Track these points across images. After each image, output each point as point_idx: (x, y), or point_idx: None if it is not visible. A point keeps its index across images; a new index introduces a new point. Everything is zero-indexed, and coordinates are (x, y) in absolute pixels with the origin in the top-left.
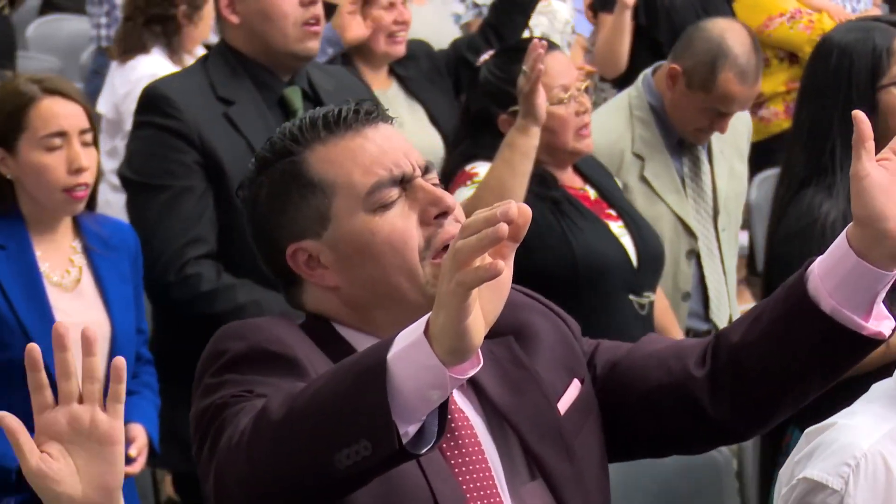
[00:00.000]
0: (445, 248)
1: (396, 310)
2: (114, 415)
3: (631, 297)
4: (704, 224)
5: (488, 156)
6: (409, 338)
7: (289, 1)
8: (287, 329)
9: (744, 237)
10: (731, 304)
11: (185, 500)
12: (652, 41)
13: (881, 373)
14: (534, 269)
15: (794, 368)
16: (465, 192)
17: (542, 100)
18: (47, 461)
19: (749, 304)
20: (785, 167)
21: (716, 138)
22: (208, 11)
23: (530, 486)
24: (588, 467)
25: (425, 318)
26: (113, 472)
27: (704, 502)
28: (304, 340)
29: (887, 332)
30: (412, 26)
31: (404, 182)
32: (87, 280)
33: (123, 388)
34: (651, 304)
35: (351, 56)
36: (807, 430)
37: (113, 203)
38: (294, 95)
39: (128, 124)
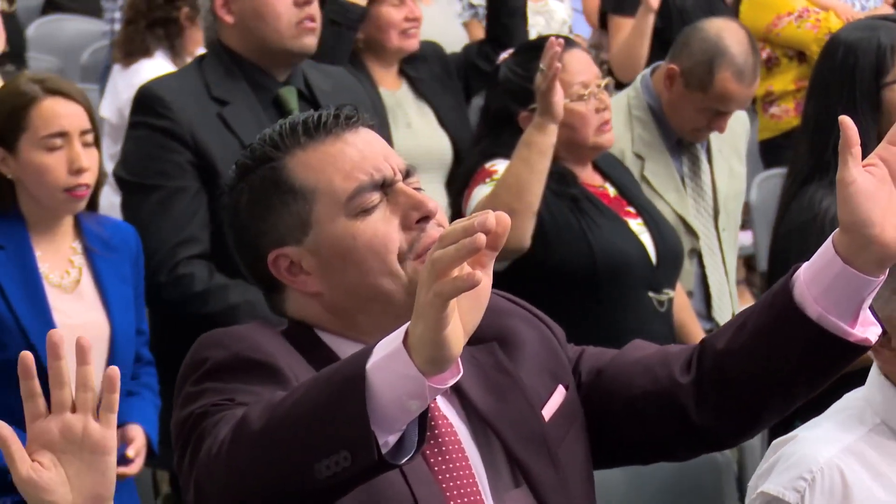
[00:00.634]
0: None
1: (380, 314)
2: (106, 424)
3: (650, 294)
4: (705, 223)
5: (508, 153)
6: (387, 347)
7: (283, 1)
8: (268, 336)
9: (745, 237)
10: (732, 303)
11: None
12: (664, 43)
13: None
14: (553, 267)
15: (779, 375)
16: (483, 190)
17: (559, 97)
18: (38, 470)
19: (750, 303)
20: (791, 163)
21: (714, 137)
22: None
23: (514, 493)
24: (573, 474)
25: (404, 327)
26: (104, 481)
27: (704, 502)
28: (285, 348)
29: (874, 339)
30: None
31: (385, 186)
32: (87, 281)
33: (117, 397)
34: (670, 301)
35: (361, 54)
36: (773, 442)
37: (117, 206)
38: (289, 95)
39: None
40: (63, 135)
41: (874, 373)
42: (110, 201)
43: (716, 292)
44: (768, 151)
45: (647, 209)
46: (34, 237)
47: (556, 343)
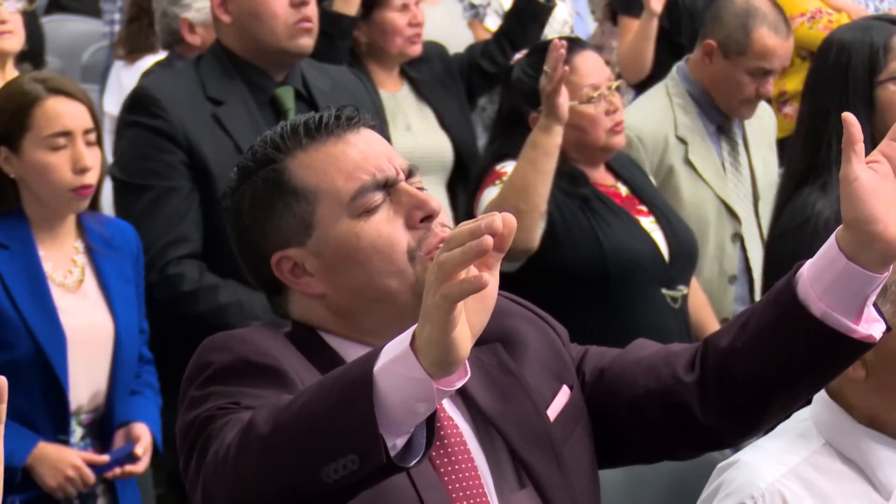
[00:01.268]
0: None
1: (384, 315)
2: None
3: (663, 290)
4: (746, 208)
5: (518, 154)
6: (394, 350)
7: (279, 1)
8: (272, 339)
9: None
10: None
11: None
12: (673, 44)
13: None
14: (564, 266)
15: (783, 373)
16: (493, 192)
17: (563, 99)
18: None
19: None
20: (786, 164)
21: (749, 128)
22: None
23: (520, 494)
24: (577, 474)
25: (411, 330)
26: None
27: None
28: (289, 350)
29: (878, 335)
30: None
31: (388, 186)
32: (90, 280)
33: (4, 408)
34: (684, 297)
35: (363, 57)
36: (718, 466)
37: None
38: (286, 95)
39: None
40: (66, 134)
41: (821, 393)
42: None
43: (758, 276)
44: (781, 151)
45: (660, 207)
46: (38, 236)
47: (560, 343)
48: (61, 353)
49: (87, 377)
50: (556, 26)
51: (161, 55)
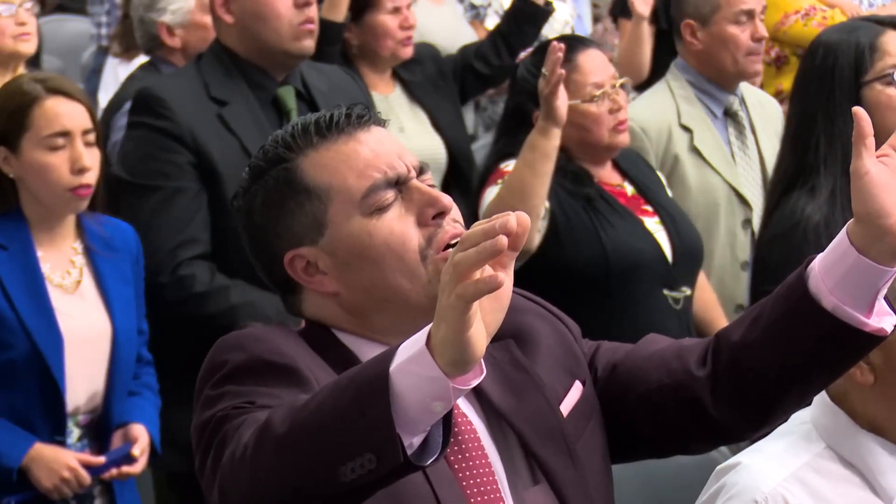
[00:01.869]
0: (448, 245)
1: (397, 313)
2: None
3: (665, 291)
4: (755, 193)
5: None
6: (410, 350)
7: (283, 2)
8: (286, 338)
9: None
10: None
11: (182, 500)
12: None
13: None
14: (566, 266)
15: (795, 367)
16: (494, 191)
17: (561, 102)
18: None
19: None
20: (776, 165)
21: (755, 116)
22: None
23: (533, 491)
24: (591, 469)
25: (426, 329)
26: None
27: None
28: (303, 349)
29: (889, 329)
30: (429, 27)
31: (399, 184)
32: (88, 281)
33: None
34: (686, 298)
35: (355, 59)
36: (717, 468)
37: None
38: (287, 95)
39: None
40: (65, 134)
41: (822, 396)
42: None
43: None
44: None
45: (666, 207)
46: (36, 237)
47: (572, 338)
48: (58, 353)
49: (84, 378)
50: (557, 27)
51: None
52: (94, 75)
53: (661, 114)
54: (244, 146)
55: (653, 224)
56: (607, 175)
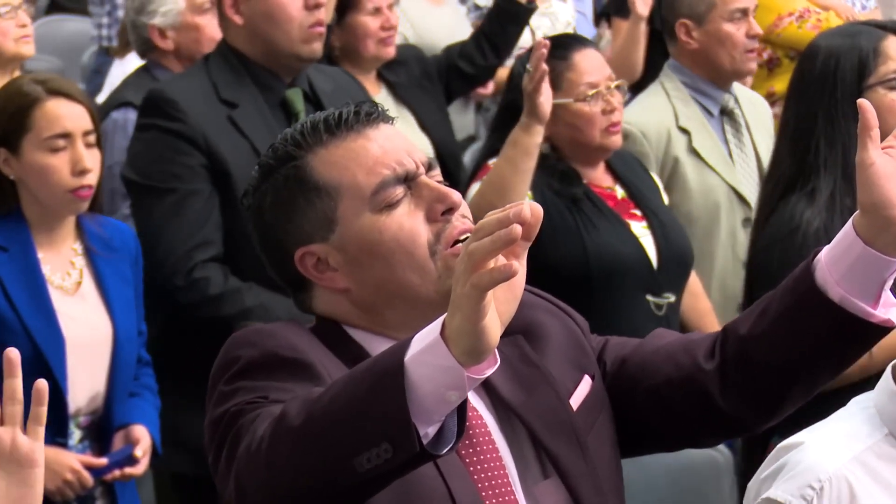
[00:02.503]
0: (457, 241)
1: (407, 309)
2: (34, 437)
3: (649, 297)
4: (754, 192)
5: None
6: (425, 340)
7: (294, 4)
8: (298, 334)
9: None
10: None
11: (184, 502)
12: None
13: (869, 383)
14: (547, 266)
15: (803, 359)
16: (476, 188)
17: (545, 99)
18: None
19: None
20: (772, 166)
21: (749, 116)
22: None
23: (543, 485)
24: (601, 462)
25: (441, 319)
26: (32, 494)
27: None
28: (315, 344)
29: None
30: (428, 27)
31: (408, 180)
32: (88, 283)
33: (44, 410)
34: (670, 305)
35: (338, 61)
36: (778, 446)
37: None
38: (296, 97)
39: None
40: (66, 136)
41: (886, 382)
42: None
43: None
44: None
45: (655, 212)
46: (36, 238)
47: (581, 334)
48: (60, 355)
49: (85, 379)
50: (560, 27)
51: None
52: (95, 75)
53: (660, 116)
54: (255, 148)
55: (640, 228)
56: (598, 177)
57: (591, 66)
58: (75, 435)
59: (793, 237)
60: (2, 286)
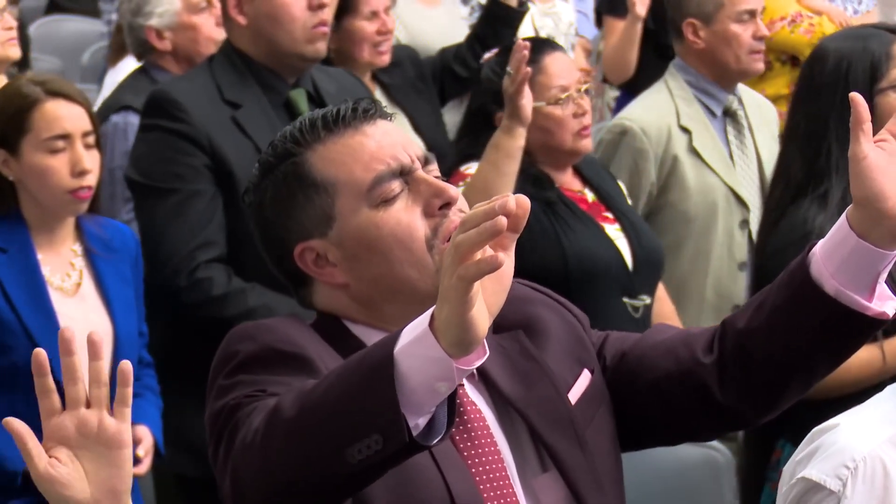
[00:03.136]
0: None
1: (406, 303)
2: (121, 418)
3: (625, 299)
4: (753, 194)
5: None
6: (414, 332)
7: (298, 5)
8: (298, 328)
9: None
10: None
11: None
12: (658, 45)
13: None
14: (525, 270)
15: (800, 352)
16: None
17: (526, 101)
18: (56, 466)
19: None
20: (780, 169)
21: (753, 117)
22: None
23: (542, 478)
24: (600, 456)
25: (430, 311)
26: (121, 475)
27: (704, 502)
28: (315, 339)
29: (891, 313)
30: (422, 29)
31: (405, 175)
32: (88, 283)
33: (130, 391)
34: (646, 307)
35: (332, 63)
36: (813, 430)
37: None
38: (299, 98)
39: None
40: (65, 137)
41: None
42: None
43: None
44: None
45: (627, 214)
46: (36, 240)
47: (580, 328)
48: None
49: (85, 380)
50: (563, 28)
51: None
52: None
53: (661, 114)
54: (259, 149)
55: (613, 231)
56: (568, 181)
57: (561, 69)
58: None
59: (805, 242)
60: (1, 287)
